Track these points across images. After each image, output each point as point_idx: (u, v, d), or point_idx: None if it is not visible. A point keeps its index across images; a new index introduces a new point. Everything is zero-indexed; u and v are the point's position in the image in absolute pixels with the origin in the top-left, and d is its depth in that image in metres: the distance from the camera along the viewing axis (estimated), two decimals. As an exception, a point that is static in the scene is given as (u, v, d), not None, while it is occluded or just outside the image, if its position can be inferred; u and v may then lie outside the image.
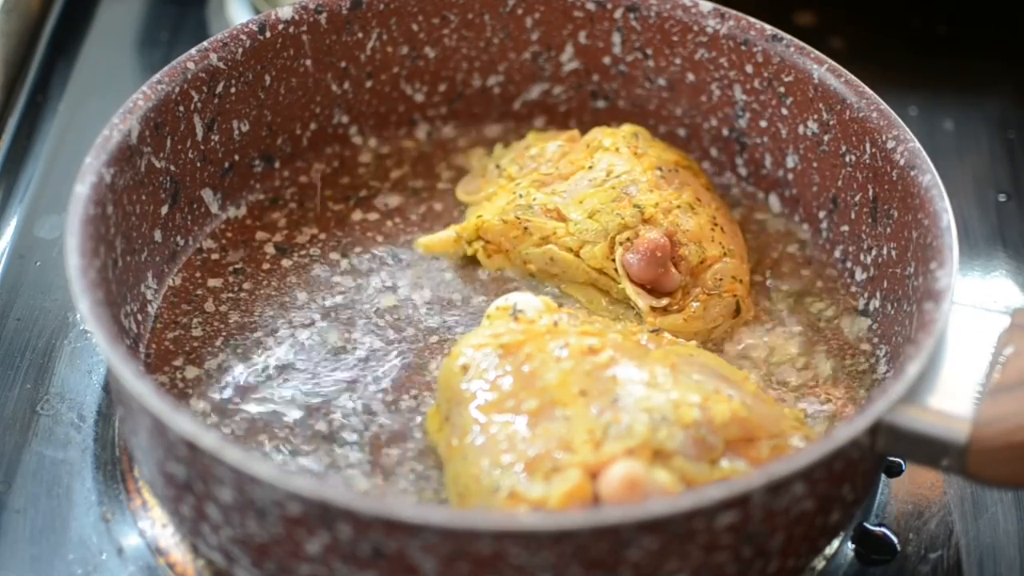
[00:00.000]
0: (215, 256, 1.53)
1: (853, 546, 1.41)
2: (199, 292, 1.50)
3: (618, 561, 1.20)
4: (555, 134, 1.60)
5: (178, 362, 1.44)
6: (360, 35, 1.59)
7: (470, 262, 1.54)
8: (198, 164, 1.53)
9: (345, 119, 1.63)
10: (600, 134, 1.57)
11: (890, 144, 1.45)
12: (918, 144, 1.44)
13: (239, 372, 1.44)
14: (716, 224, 1.51)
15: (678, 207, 1.49)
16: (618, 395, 1.31)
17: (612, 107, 1.65)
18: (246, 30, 1.53)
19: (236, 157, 1.56)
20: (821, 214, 1.57)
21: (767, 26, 1.55)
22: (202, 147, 1.53)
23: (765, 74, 1.55)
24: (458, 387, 1.35)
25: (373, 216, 1.59)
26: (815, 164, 1.55)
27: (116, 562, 1.38)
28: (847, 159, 1.51)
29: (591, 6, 1.60)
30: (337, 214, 1.58)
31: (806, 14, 1.93)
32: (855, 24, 1.93)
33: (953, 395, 1.28)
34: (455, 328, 1.48)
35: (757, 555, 1.25)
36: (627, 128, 1.57)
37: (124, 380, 1.25)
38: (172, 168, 1.50)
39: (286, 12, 1.55)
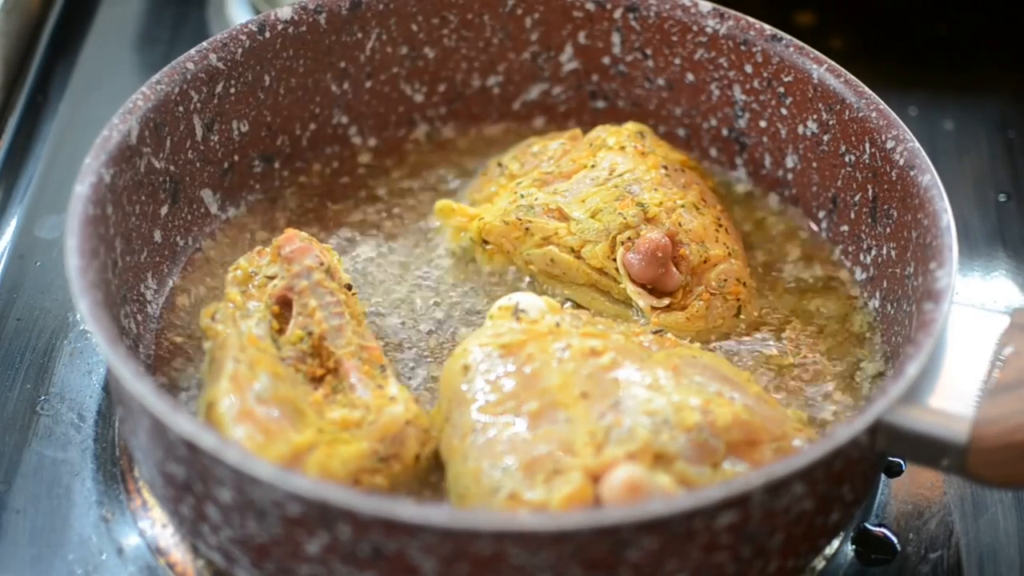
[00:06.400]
0: (215, 256, 1.53)
1: (853, 546, 1.41)
2: (199, 292, 1.50)
3: (618, 561, 1.20)
4: (556, 135, 1.60)
5: (178, 363, 1.44)
6: (359, 35, 1.59)
7: (471, 262, 1.54)
8: (198, 164, 1.53)
9: (345, 119, 1.63)
10: (603, 132, 1.56)
11: (889, 144, 1.45)
12: (917, 144, 1.44)
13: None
14: (721, 225, 1.51)
15: (682, 206, 1.49)
16: (620, 398, 1.31)
17: (612, 107, 1.65)
18: (245, 30, 1.53)
19: (236, 157, 1.56)
20: (821, 214, 1.57)
21: (766, 26, 1.55)
22: (201, 147, 1.53)
23: (764, 74, 1.55)
24: (459, 387, 1.35)
25: (373, 216, 1.59)
26: (815, 164, 1.55)
27: (116, 562, 1.38)
28: (847, 159, 1.51)
29: (590, 6, 1.60)
30: (337, 214, 1.58)
31: (806, 14, 1.93)
32: (855, 24, 1.93)
33: (953, 395, 1.28)
34: (456, 328, 1.48)
35: (757, 555, 1.25)
36: (631, 126, 1.57)
37: (124, 380, 1.26)
38: (172, 168, 1.50)
39: (286, 12, 1.55)
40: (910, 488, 1.45)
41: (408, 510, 1.18)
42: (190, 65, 1.50)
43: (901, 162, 1.44)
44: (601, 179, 1.51)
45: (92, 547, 1.39)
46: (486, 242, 1.53)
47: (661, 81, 1.62)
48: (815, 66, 1.52)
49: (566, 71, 1.64)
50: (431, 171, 1.63)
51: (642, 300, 1.47)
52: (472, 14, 1.61)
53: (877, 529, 1.43)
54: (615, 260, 1.48)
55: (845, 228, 1.54)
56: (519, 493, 1.26)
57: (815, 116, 1.53)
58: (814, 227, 1.57)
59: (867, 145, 1.48)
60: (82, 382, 1.51)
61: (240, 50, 1.53)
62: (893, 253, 1.46)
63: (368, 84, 1.62)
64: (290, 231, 1.46)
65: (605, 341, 1.36)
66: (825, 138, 1.53)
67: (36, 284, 1.59)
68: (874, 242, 1.50)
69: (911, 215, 1.42)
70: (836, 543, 1.40)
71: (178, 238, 1.52)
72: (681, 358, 1.36)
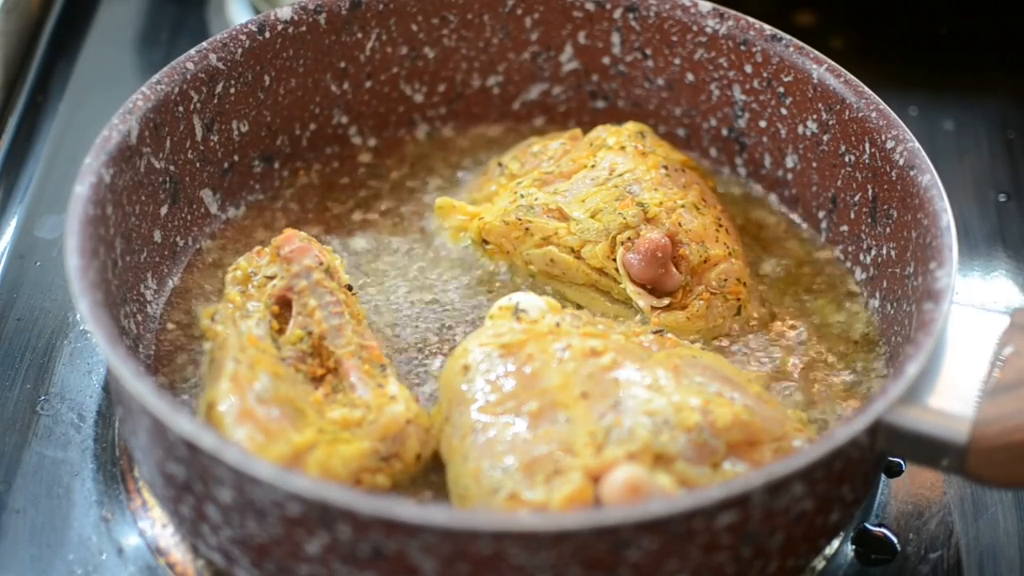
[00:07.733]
0: (215, 256, 1.53)
1: (853, 546, 1.41)
2: (199, 292, 1.50)
3: (618, 561, 1.20)
4: (556, 135, 1.60)
5: (178, 363, 1.44)
6: (359, 35, 1.59)
7: (471, 262, 1.54)
8: (198, 164, 1.53)
9: (345, 119, 1.63)
10: (604, 132, 1.57)
11: (889, 144, 1.45)
12: (917, 144, 1.44)
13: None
14: (721, 225, 1.51)
15: (682, 206, 1.49)
16: (620, 398, 1.31)
17: (611, 107, 1.65)
18: (245, 30, 1.53)
19: (236, 157, 1.56)
20: (820, 214, 1.57)
21: (766, 26, 1.55)
22: (201, 147, 1.53)
23: (764, 74, 1.55)
24: (459, 388, 1.35)
25: (373, 216, 1.59)
26: (814, 164, 1.55)
27: (116, 562, 1.38)
28: (846, 159, 1.51)
29: (590, 6, 1.60)
30: (337, 214, 1.58)
31: (806, 14, 1.93)
32: (855, 24, 1.93)
33: (953, 395, 1.28)
34: (456, 328, 1.48)
35: (757, 555, 1.25)
36: (632, 126, 1.57)
37: (124, 380, 1.26)
38: (172, 168, 1.50)
39: (285, 12, 1.55)
40: (910, 488, 1.45)
41: (408, 510, 1.18)
42: (190, 65, 1.50)
43: (901, 162, 1.44)
44: (601, 179, 1.51)
45: (92, 547, 1.39)
46: (486, 242, 1.53)
47: (661, 81, 1.62)
48: (815, 66, 1.52)
49: (566, 71, 1.64)
50: (431, 171, 1.63)
51: (642, 300, 1.47)
52: (472, 14, 1.61)
53: (877, 529, 1.43)
54: (615, 260, 1.48)
55: (845, 228, 1.54)
56: (519, 493, 1.26)
57: (815, 116, 1.53)
58: (814, 227, 1.57)
59: (867, 145, 1.48)
60: (82, 382, 1.51)
61: (240, 50, 1.53)
62: (893, 253, 1.46)
63: (368, 84, 1.62)
64: (289, 231, 1.46)
65: (605, 341, 1.36)
66: (825, 138, 1.53)
67: (36, 284, 1.59)
68: (874, 242, 1.50)
69: (911, 215, 1.42)
70: (836, 543, 1.40)
71: (178, 238, 1.52)
72: (681, 358, 1.36)
